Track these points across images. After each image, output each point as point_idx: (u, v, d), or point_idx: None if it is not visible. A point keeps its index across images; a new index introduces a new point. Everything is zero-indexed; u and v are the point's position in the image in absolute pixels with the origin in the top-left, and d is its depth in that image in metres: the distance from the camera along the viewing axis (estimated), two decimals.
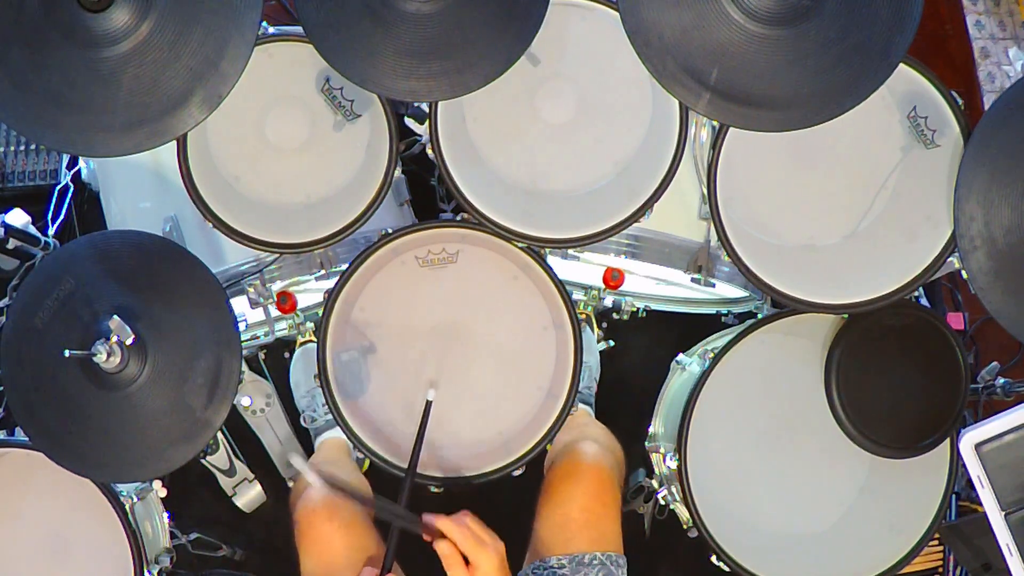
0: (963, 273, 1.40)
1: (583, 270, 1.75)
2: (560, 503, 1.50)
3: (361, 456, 1.59)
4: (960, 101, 1.48)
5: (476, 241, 1.59)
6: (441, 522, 1.32)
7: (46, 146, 2.10)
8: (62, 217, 2.08)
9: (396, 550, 1.38)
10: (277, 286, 1.68)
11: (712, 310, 1.93)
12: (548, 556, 1.46)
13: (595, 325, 1.99)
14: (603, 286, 1.72)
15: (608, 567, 1.45)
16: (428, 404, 1.47)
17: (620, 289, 1.72)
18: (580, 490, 1.50)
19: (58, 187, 2.08)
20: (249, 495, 1.98)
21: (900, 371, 1.59)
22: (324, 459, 1.83)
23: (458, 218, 1.56)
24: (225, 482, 1.97)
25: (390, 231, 1.54)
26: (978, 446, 1.45)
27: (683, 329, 1.99)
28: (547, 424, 1.57)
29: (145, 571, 1.47)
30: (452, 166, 1.50)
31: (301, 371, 1.98)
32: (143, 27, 1.29)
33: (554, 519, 1.50)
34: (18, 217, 1.97)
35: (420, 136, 1.80)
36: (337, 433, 1.89)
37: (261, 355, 2.03)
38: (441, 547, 1.31)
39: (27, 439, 1.39)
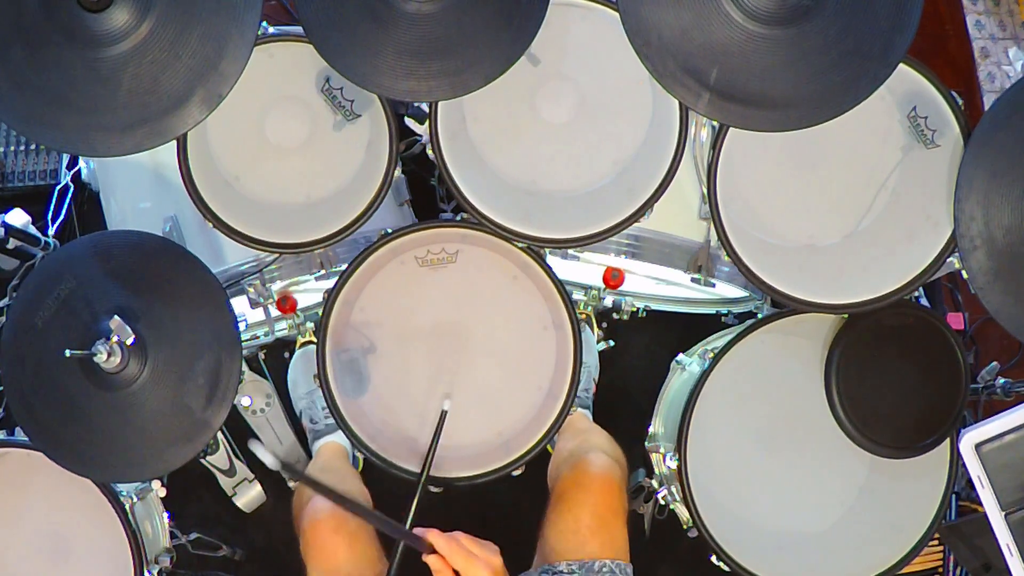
0: (963, 273, 1.41)
1: (583, 270, 1.75)
2: (571, 509, 1.50)
3: (361, 456, 1.59)
4: (960, 101, 1.48)
5: (476, 241, 1.58)
6: (432, 536, 1.30)
7: (46, 146, 2.10)
8: (62, 217, 2.07)
9: (402, 561, 1.37)
10: (277, 286, 1.68)
11: (712, 310, 1.93)
12: (558, 561, 1.46)
13: (595, 325, 1.99)
14: (603, 286, 1.72)
15: (617, 575, 1.45)
16: (443, 414, 1.47)
17: (620, 289, 1.72)
18: (591, 498, 1.50)
19: (58, 187, 2.07)
20: (249, 495, 1.97)
21: (900, 371, 1.59)
22: (323, 464, 1.82)
23: (458, 218, 1.56)
24: (225, 482, 1.96)
25: (390, 231, 1.54)
26: (978, 446, 1.45)
27: (683, 329, 1.99)
28: (547, 424, 1.57)
29: (145, 571, 1.47)
30: (452, 166, 1.50)
31: (300, 372, 1.97)
32: (143, 27, 1.29)
33: (565, 524, 1.50)
34: (18, 217, 1.97)
35: (420, 136, 1.80)
36: (335, 438, 1.89)
37: (261, 355, 2.02)
38: (431, 561, 1.30)
39: (27, 439, 1.39)
